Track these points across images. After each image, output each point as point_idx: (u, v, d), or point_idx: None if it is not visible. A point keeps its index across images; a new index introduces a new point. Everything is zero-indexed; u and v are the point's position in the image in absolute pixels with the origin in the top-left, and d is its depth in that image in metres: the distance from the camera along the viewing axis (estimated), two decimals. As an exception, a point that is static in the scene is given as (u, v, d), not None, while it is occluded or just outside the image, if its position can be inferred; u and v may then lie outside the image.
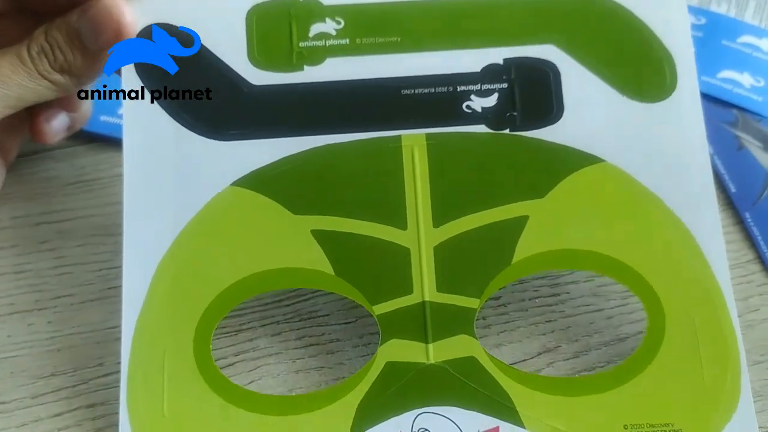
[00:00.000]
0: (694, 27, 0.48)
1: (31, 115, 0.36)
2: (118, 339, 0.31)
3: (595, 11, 0.34)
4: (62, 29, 0.32)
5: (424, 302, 0.31)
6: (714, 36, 0.47)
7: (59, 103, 0.36)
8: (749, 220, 0.39)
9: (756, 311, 0.36)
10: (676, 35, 0.34)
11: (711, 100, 0.44)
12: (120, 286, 0.31)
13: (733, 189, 0.40)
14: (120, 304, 0.31)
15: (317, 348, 0.34)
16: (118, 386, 0.30)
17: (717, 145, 0.42)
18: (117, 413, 0.30)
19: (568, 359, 0.34)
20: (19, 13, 0.35)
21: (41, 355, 0.34)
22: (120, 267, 0.31)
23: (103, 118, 0.41)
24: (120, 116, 0.41)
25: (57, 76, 0.32)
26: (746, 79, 0.45)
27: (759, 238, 0.38)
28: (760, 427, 0.30)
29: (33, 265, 0.36)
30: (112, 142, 0.40)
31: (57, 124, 0.37)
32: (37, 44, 0.32)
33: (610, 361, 0.34)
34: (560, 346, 0.34)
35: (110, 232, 0.37)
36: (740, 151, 0.42)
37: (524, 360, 0.34)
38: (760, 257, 0.38)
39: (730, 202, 0.40)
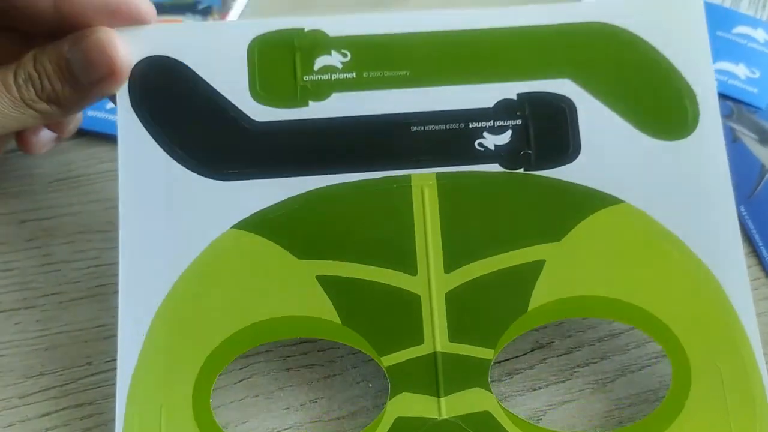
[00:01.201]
0: (689, 17, 0.47)
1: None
2: (107, 338, 0.31)
3: (612, 44, 0.33)
4: (53, 58, 0.31)
5: (435, 353, 0.30)
6: (709, 26, 0.46)
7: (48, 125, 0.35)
8: (744, 213, 0.39)
9: (751, 306, 0.36)
10: (699, 69, 0.33)
11: (706, 91, 0.44)
12: (108, 284, 0.31)
13: (727, 182, 0.40)
14: (108, 302, 0.31)
15: (309, 345, 0.34)
16: (107, 385, 0.30)
17: (712, 137, 0.42)
18: (106, 413, 0.30)
19: (561, 355, 0.34)
20: (6, 31, 0.34)
21: (29, 354, 0.34)
22: (108, 265, 0.31)
23: (90, 113, 0.40)
24: (108, 111, 0.40)
25: (43, 106, 0.31)
26: (741, 70, 0.45)
27: (753, 231, 0.38)
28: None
29: (20, 263, 0.36)
30: (99, 137, 0.40)
31: (45, 135, 0.36)
32: (25, 71, 0.31)
33: (603, 357, 0.34)
34: (553, 342, 0.34)
35: (97, 229, 0.37)
36: (735, 143, 0.42)
37: (516, 356, 0.34)
38: (754, 251, 0.38)
39: (724, 195, 0.40)
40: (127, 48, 0.31)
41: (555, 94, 0.32)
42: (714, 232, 0.31)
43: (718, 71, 0.45)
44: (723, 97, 0.43)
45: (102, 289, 0.35)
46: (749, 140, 0.42)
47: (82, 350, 0.34)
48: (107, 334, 0.30)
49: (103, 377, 0.33)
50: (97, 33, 0.31)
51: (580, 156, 0.32)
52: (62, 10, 0.31)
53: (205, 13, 0.47)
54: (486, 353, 0.30)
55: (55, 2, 0.31)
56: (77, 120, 0.37)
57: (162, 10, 0.47)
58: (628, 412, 0.32)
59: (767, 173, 0.40)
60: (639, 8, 0.34)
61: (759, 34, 0.46)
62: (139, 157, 0.31)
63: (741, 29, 0.46)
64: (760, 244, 0.38)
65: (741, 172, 0.40)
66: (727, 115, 0.43)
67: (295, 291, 0.30)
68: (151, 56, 0.32)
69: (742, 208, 0.39)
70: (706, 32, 0.34)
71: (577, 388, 0.33)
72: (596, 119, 0.32)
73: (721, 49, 0.45)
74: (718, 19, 0.47)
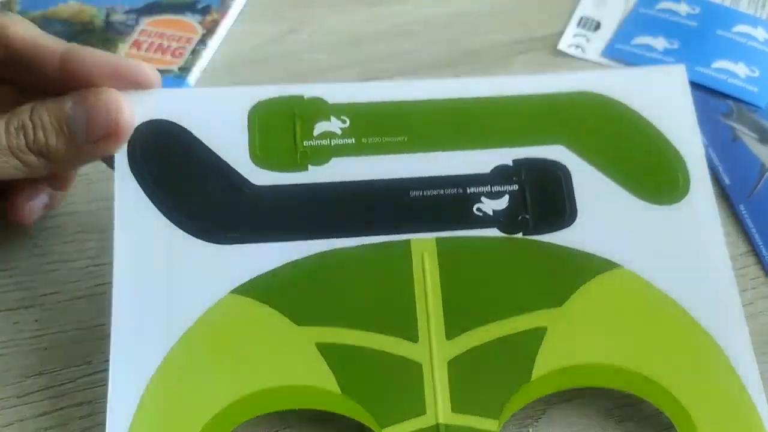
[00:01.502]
0: (689, 16, 0.47)
1: (10, 189, 0.34)
2: (106, 337, 0.30)
3: (604, 113, 0.34)
4: (52, 111, 0.30)
5: (438, 425, 0.29)
6: (709, 25, 0.47)
7: (48, 180, 0.35)
8: (743, 212, 0.39)
9: (750, 305, 0.36)
10: (687, 138, 0.33)
11: (705, 90, 0.44)
12: (107, 284, 0.31)
13: (727, 181, 0.40)
14: (107, 302, 0.30)
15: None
16: (106, 385, 0.30)
17: (711, 136, 0.42)
18: (104, 413, 0.30)
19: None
20: (6, 85, 0.33)
21: (28, 353, 0.34)
22: (107, 264, 0.31)
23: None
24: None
25: (30, 158, 0.30)
26: (741, 69, 0.44)
27: (753, 230, 0.38)
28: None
29: (19, 262, 0.36)
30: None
31: (37, 204, 0.35)
32: (19, 120, 0.30)
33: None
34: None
35: (97, 229, 0.37)
36: (735, 142, 0.42)
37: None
38: (754, 250, 0.38)
39: (724, 194, 0.40)
40: (132, 110, 0.31)
41: (550, 160, 0.33)
42: (713, 297, 0.31)
43: (718, 70, 0.44)
44: (723, 95, 0.43)
45: (101, 289, 0.35)
46: (749, 139, 0.42)
47: (80, 350, 0.34)
48: (106, 334, 0.30)
49: (102, 377, 0.32)
50: (104, 93, 0.31)
51: (577, 220, 0.32)
52: (68, 68, 0.31)
53: (204, 12, 0.47)
54: (490, 424, 0.29)
55: (62, 60, 0.31)
56: (74, 175, 0.36)
57: (161, 9, 0.47)
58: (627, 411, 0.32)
59: (767, 172, 0.40)
60: (627, 79, 0.35)
61: (759, 32, 0.46)
62: (135, 220, 0.31)
63: (741, 28, 0.46)
64: (760, 243, 0.38)
65: (741, 171, 0.40)
66: (727, 114, 0.43)
67: (294, 359, 0.30)
68: (151, 120, 0.32)
69: (742, 207, 0.39)
70: (691, 102, 0.35)
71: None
72: (591, 184, 0.33)
73: (721, 47, 0.45)
74: (718, 18, 0.47)
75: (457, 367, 0.30)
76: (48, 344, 0.34)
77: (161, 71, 0.43)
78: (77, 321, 0.34)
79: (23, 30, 0.32)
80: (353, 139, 0.33)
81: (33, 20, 0.46)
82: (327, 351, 0.30)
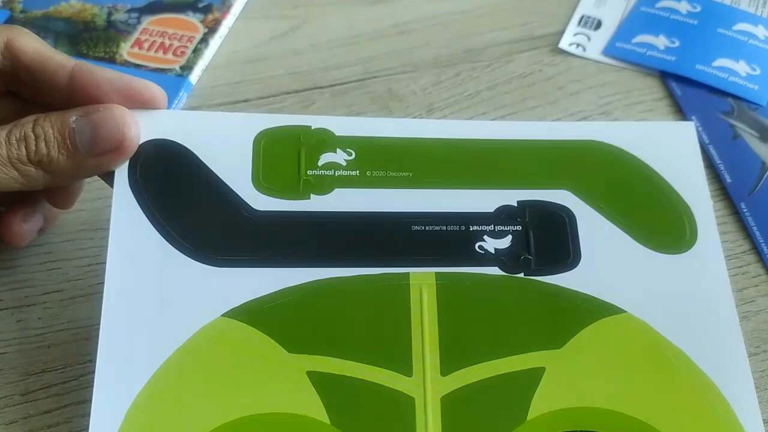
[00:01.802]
0: (689, 14, 0.47)
1: (4, 212, 0.34)
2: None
3: (610, 161, 0.34)
4: (56, 124, 0.30)
5: None
6: (709, 24, 0.47)
7: (52, 197, 0.34)
8: (744, 210, 0.39)
9: (751, 302, 0.36)
10: (694, 189, 0.34)
11: (706, 88, 0.44)
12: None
13: (728, 179, 0.40)
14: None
15: None
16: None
17: (712, 134, 0.42)
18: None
19: None
20: (9, 96, 0.33)
21: (31, 351, 0.34)
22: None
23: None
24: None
25: (29, 169, 0.30)
26: (742, 67, 0.45)
27: (754, 228, 0.38)
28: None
29: (21, 260, 0.36)
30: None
31: (31, 226, 0.34)
32: (21, 131, 0.30)
33: None
34: None
35: (99, 227, 0.37)
36: (735, 140, 0.42)
37: None
38: (755, 248, 0.38)
39: (725, 192, 0.40)
40: (138, 127, 0.31)
41: (554, 203, 0.33)
42: (718, 346, 0.30)
43: (719, 68, 0.45)
44: (724, 94, 0.44)
45: (103, 287, 0.35)
46: (750, 137, 0.42)
47: (83, 347, 0.34)
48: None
49: (105, 374, 0.33)
50: (112, 108, 0.31)
51: (581, 264, 0.32)
52: (77, 83, 0.31)
53: (206, 10, 0.47)
54: None
55: (71, 75, 0.31)
56: (77, 192, 0.36)
57: (163, 8, 0.47)
58: None
59: (768, 170, 0.40)
60: (635, 131, 0.35)
61: (759, 31, 0.46)
62: (130, 236, 0.31)
63: (741, 26, 0.46)
64: (761, 241, 0.38)
65: (742, 169, 0.40)
66: (727, 112, 0.43)
67: (284, 386, 0.29)
68: (155, 139, 0.32)
69: (743, 205, 0.39)
70: (699, 154, 0.35)
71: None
72: (596, 230, 0.32)
73: (722, 46, 0.46)
74: (719, 17, 0.47)
75: (450, 403, 0.29)
76: (51, 342, 0.34)
77: (163, 70, 0.44)
78: (80, 319, 0.35)
79: (33, 43, 0.32)
80: (357, 171, 0.33)
81: (35, 19, 0.46)
82: (318, 380, 0.29)
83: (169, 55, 0.45)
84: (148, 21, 0.46)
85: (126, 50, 0.45)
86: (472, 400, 0.29)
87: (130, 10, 0.47)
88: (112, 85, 0.31)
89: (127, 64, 0.44)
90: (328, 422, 0.29)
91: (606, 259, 0.32)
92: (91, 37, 0.45)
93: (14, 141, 0.30)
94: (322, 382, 0.29)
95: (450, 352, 0.30)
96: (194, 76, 0.44)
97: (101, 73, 0.31)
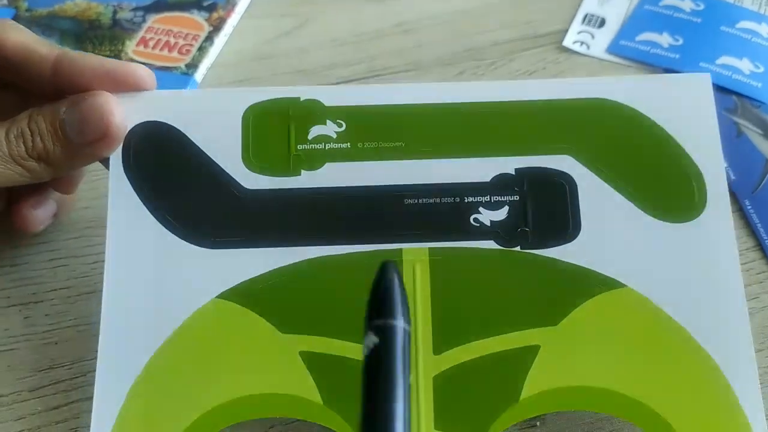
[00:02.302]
0: (693, 12, 0.47)
1: (14, 198, 0.35)
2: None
3: (616, 121, 0.32)
4: (47, 117, 0.31)
5: None
6: (713, 21, 0.47)
7: (54, 184, 0.35)
8: (749, 207, 0.39)
9: (755, 299, 0.36)
10: (707, 149, 0.31)
11: (710, 86, 0.44)
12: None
13: (732, 176, 0.40)
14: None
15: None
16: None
17: (716, 132, 0.42)
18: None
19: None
20: (10, 89, 0.34)
21: (38, 348, 0.34)
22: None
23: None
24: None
25: (32, 163, 0.31)
26: (745, 64, 0.45)
27: (758, 225, 0.38)
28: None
29: (28, 258, 0.36)
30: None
31: (43, 212, 0.35)
32: (18, 128, 0.31)
33: None
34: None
35: (105, 224, 0.37)
36: (739, 137, 0.42)
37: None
38: (759, 245, 0.38)
39: (729, 189, 0.40)
40: (123, 112, 0.31)
41: (555, 170, 0.31)
42: (722, 323, 0.29)
43: (723, 66, 0.45)
44: (727, 91, 0.44)
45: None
46: (753, 135, 0.42)
47: (91, 344, 0.34)
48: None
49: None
50: (95, 96, 0.31)
51: (580, 235, 0.30)
52: (61, 73, 0.31)
53: (211, 9, 0.47)
54: None
55: (54, 66, 0.31)
56: (78, 178, 0.36)
57: (168, 6, 0.47)
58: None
59: (771, 167, 0.40)
60: (644, 85, 0.33)
61: (763, 28, 0.46)
62: (128, 222, 0.31)
63: (745, 24, 0.47)
64: (765, 238, 0.38)
65: (745, 166, 0.41)
66: (731, 110, 0.43)
67: (277, 367, 0.29)
68: (146, 122, 0.32)
69: (747, 202, 0.39)
70: (714, 111, 0.32)
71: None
72: (598, 198, 0.31)
73: (725, 43, 0.46)
74: (723, 14, 0.47)
75: (442, 382, 0.29)
76: (59, 338, 0.34)
77: (168, 68, 0.44)
78: (87, 315, 0.35)
79: (15, 36, 0.32)
80: (348, 144, 0.32)
81: (40, 18, 0.46)
82: (310, 360, 0.29)
83: (175, 54, 0.45)
84: (153, 19, 0.46)
85: (131, 48, 0.45)
86: (465, 380, 0.29)
87: (135, 9, 0.47)
88: (95, 72, 0.31)
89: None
90: (321, 402, 0.29)
91: (607, 229, 0.30)
92: (96, 36, 0.46)
93: (13, 138, 0.31)
94: (314, 362, 0.29)
95: (443, 331, 0.29)
96: (199, 75, 0.44)
97: (84, 62, 0.31)
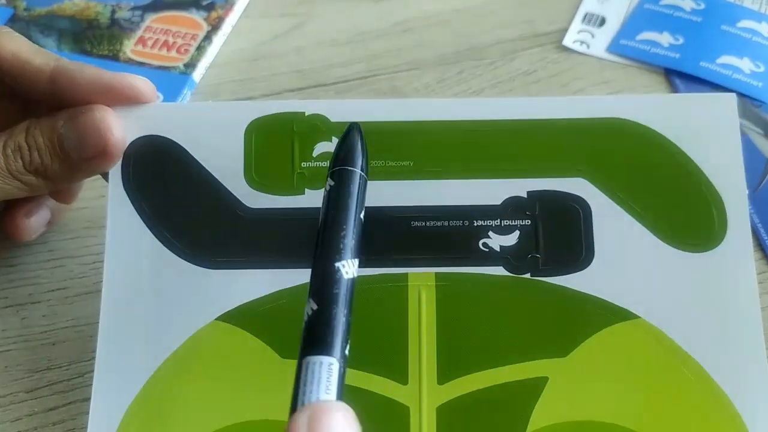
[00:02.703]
0: (693, 12, 0.47)
1: (8, 207, 0.34)
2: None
3: (634, 143, 0.31)
4: (45, 131, 0.30)
5: None
6: (713, 21, 0.47)
7: (53, 194, 0.34)
8: (749, 207, 0.39)
9: (755, 300, 0.36)
10: (729, 174, 0.30)
11: (710, 85, 0.44)
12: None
13: (732, 176, 0.40)
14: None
15: None
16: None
17: (716, 131, 0.42)
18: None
19: None
20: (9, 97, 0.33)
21: (36, 348, 0.34)
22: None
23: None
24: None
25: (30, 178, 0.31)
26: (746, 64, 0.44)
27: (759, 226, 0.38)
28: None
29: (25, 258, 0.36)
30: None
31: (36, 221, 0.35)
32: (15, 142, 0.30)
33: None
34: None
35: (103, 225, 0.36)
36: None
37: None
38: (760, 245, 0.38)
39: (729, 189, 0.40)
40: (122, 128, 0.30)
41: (568, 193, 0.30)
42: (738, 359, 0.28)
43: (723, 65, 0.44)
44: (728, 91, 0.43)
45: (107, 285, 0.35)
46: (754, 134, 0.42)
47: (88, 345, 0.34)
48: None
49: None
50: (93, 111, 0.30)
51: (593, 263, 0.30)
52: (58, 85, 0.31)
53: (209, 8, 0.47)
54: None
55: (51, 77, 0.31)
56: (78, 189, 0.35)
57: (166, 5, 0.47)
58: None
59: (772, 167, 0.40)
60: (664, 105, 0.31)
61: (763, 28, 0.46)
62: (126, 239, 0.30)
63: (745, 23, 0.46)
64: (766, 238, 0.38)
65: (746, 166, 0.40)
66: (731, 109, 0.43)
67: (276, 393, 0.27)
68: (146, 136, 0.31)
69: (748, 203, 0.39)
70: (738, 134, 0.31)
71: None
72: (612, 224, 0.30)
73: (726, 43, 0.45)
74: (723, 13, 0.47)
75: (446, 413, 0.28)
76: (56, 339, 0.34)
77: (166, 68, 0.44)
78: (84, 316, 0.35)
79: (10, 45, 0.31)
80: None
81: (38, 17, 0.46)
82: None
83: (173, 53, 0.45)
84: (151, 19, 0.46)
85: (129, 48, 0.45)
86: (469, 411, 0.28)
87: (133, 8, 0.47)
88: (93, 87, 0.30)
89: (130, 62, 0.44)
90: None
91: (621, 257, 0.29)
92: (94, 35, 0.45)
93: (10, 152, 0.30)
94: None
95: (448, 360, 0.29)
96: (198, 74, 0.44)
97: (82, 75, 0.31)
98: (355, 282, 0.26)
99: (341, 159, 0.28)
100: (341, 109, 0.31)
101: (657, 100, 0.32)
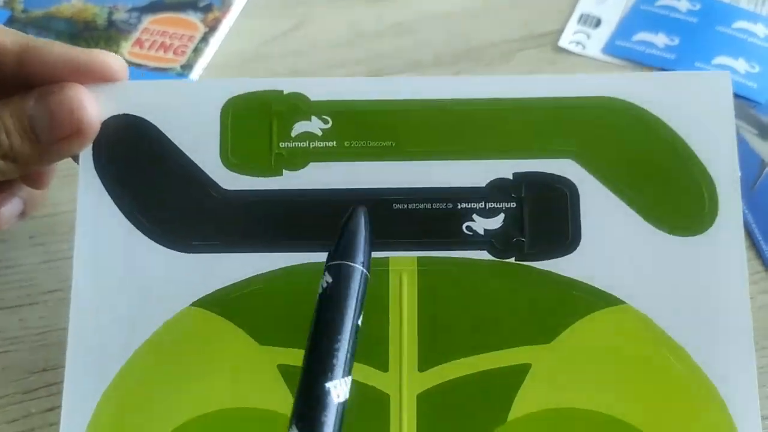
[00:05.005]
0: (689, 12, 0.47)
1: None
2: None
3: (624, 122, 0.30)
4: (14, 112, 0.29)
5: None
6: (709, 21, 0.47)
7: (24, 179, 0.33)
8: (743, 207, 0.39)
9: (750, 299, 0.35)
10: (722, 158, 0.29)
11: (706, 86, 0.44)
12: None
13: (727, 176, 0.40)
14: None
15: None
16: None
17: (712, 132, 0.42)
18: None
19: None
20: None
21: (32, 350, 0.34)
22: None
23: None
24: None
25: None
26: (741, 64, 0.45)
27: (753, 225, 0.38)
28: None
29: (23, 259, 0.36)
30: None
31: (8, 210, 0.33)
32: None
33: None
34: None
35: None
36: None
37: None
38: (754, 245, 0.38)
39: (724, 189, 0.40)
40: (97, 106, 0.29)
41: (555, 175, 0.29)
42: (725, 346, 0.28)
43: (718, 66, 0.45)
44: (723, 91, 0.44)
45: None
46: (749, 135, 0.42)
47: (85, 346, 0.34)
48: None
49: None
50: (66, 90, 0.29)
51: (580, 247, 0.29)
52: (26, 65, 0.29)
53: (206, 10, 0.47)
54: None
55: (18, 58, 0.29)
56: (51, 173, 0.34)
57: (163, 7, 0.47)
58: None
59: (767, 167, 0.40)
60: (656, 83, 0.30)
61: (759, 28, 0.46)
62: (98, 223, 0.29)
63: (741, 24, 0.46)
64: (760, 238, 0.38)
65: (741, 166, 0.40)
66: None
67: (253, 380, 0.28)
68: (118, 115, 0.30)
69: (742, 203, 0.39)
70: (732, 113, 0.30)
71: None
72: (600, 207, 0.29)
73: (721, 43, 0.46)
74: (718, 14, 0.47)
75: (427, 400, 0.28)
76: (52, 341, 0.34)
77: (163, 69, 0.44)
78: (81, 317, 0.35)
79: None
80: (334, 142, 0.30)
81: (36, 19, 0.46)
82: (289, 373, 0.28)
83: (170, 54, 0.45)
84: (148, 20, 0.46)
85: (127, 50, 0.45)
86: (450, 399, 0.28)
87: (130, 10, 0.47)
88: (63, 65, 0.29)
89: (128, 64, 0.44)
90: None
91: (608, 241, 0.29)
92: (92, 37, 0.46)
93: None
94: (293, 376, 0.27)
95: (429, 346, 0.28)
96: (195, 75, 0.44)
97: (51, 52, 0.29)
98: (346, 406, 0.24)
99: (341, 251, 0.25)
100: (321, 88, 0.30)
101: (648, 78, 0.31)
